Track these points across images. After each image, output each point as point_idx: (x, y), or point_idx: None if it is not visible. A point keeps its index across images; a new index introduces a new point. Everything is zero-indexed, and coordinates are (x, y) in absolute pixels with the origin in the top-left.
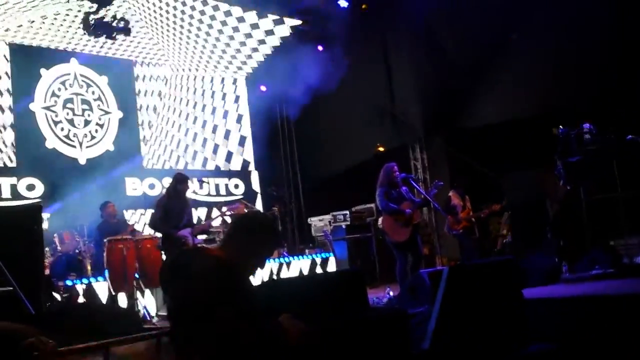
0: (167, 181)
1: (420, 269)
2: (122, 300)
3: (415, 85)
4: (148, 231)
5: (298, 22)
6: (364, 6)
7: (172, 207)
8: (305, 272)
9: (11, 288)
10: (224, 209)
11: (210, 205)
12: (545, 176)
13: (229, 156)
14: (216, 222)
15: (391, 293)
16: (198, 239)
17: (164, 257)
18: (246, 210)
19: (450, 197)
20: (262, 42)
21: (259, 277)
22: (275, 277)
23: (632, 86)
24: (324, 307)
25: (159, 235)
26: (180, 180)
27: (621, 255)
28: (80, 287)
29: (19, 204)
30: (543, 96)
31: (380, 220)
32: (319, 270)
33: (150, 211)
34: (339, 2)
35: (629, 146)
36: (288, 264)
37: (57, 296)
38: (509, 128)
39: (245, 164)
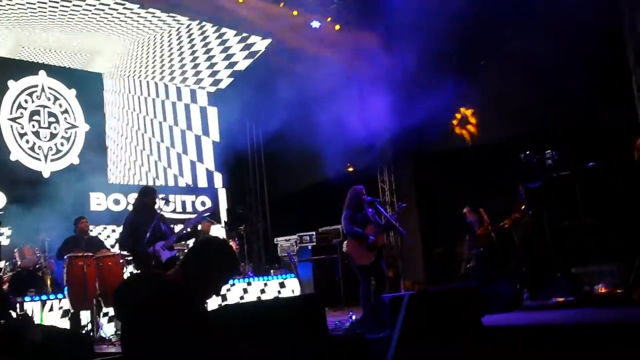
0: (133, 197)
1: (384, 293)
2: (85, 318)
3: (386, 107)
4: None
5: (269, 40)
6: (337, 27)
7: (140, 223)
8: (270, 292)
9: None
10: (197, 214)
11: (175, 223)
12: (511, 202)
13: (196, 173)
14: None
15: (354, 317)
16: (172, 251)
17: (125, 275)
18: (212, 225)
19: (464, 214)
20: (233, 59)
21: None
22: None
23: (603, 112)
24: (279, 334)
25: (124, 252)
26: (145, 193)
27: (582, 283)
28: (38, 304)
29: None
30: (513, 122)
31: (345, 243)
32: (284, 291)
33: (111, 227)
34: (311, 24)
35: (590, 173)
36: (250, 284)
37: (13, 314)
38: (478, 153)
39: (213, 181)
